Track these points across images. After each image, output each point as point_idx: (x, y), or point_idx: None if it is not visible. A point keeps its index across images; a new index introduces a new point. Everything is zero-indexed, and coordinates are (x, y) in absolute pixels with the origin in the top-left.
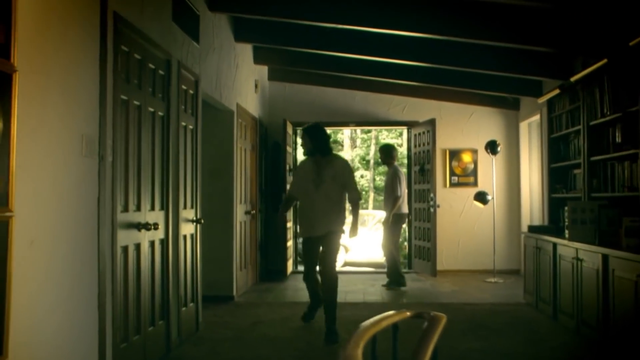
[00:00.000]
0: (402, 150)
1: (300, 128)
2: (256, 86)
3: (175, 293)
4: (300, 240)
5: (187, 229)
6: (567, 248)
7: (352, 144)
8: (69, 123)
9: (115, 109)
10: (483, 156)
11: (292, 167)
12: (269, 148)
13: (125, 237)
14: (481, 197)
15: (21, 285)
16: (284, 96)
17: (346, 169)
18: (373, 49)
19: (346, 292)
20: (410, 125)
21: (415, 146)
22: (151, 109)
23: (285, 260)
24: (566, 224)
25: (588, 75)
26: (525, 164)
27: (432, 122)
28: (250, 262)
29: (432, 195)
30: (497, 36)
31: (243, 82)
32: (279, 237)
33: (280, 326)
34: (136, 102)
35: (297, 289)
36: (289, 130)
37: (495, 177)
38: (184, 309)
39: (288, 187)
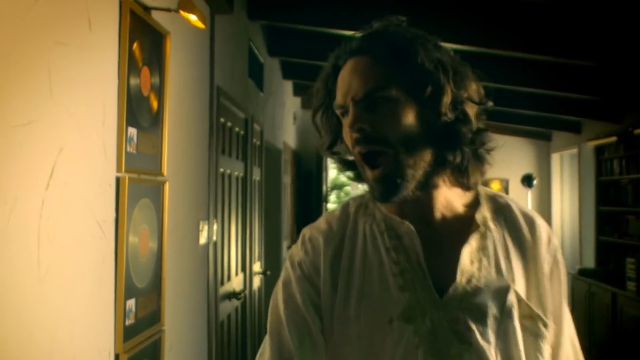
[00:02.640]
0: None
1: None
2: (294, 118)
3: (252, 353)
4: None
5: (256, 282)
6: (631, 301)
7: None
8: (191, 213)
9: (217, 186)
10: (514, 186)
11: (325, 197)
12: (302, 178)
13: (223, 311)
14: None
15: None
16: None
17: None
18: None
19: None
20: None
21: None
22: (236, 173)
23: None
24: (628, 275)
25: None
26: (557, 196)
27: None
28: None
29: None
30: (539, 83)
31: (286, 117)
32: None
33: None
34: (228, 171)
35: None
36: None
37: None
38: None
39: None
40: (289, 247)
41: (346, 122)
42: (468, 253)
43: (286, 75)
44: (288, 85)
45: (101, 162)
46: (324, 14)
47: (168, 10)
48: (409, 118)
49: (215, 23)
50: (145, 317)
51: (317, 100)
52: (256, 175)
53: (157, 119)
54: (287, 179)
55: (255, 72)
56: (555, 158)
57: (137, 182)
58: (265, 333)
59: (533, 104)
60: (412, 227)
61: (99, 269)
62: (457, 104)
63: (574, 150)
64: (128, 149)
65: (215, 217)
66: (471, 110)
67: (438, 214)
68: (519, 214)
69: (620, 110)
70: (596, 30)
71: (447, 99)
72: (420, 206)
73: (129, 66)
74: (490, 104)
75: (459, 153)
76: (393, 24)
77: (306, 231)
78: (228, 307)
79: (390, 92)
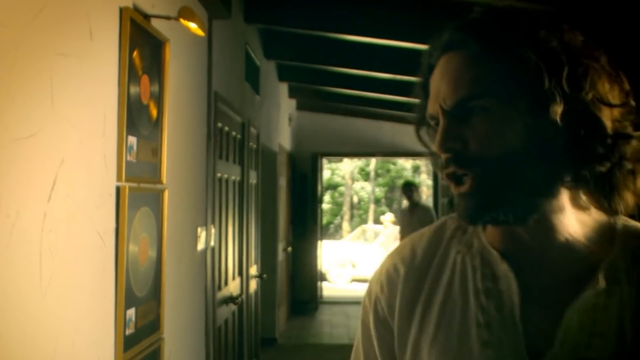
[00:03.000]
0: (423, 180)
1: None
2: (290, 120)
3: (249, 357)
4: None
5: (252, 286)
6: None
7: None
8: (189, 219)
9: (214, 191)
10: None
11: (320, 198)
12: (297, 179)
13: (220, 316)
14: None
15: None
16: (311, 126)
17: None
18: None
19: None
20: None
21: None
22: (233, 178)
23: (315, 291)
24: None
25: None
26: None
27: None
28: (285, 298)
29: None
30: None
31: (281, 119)
32: (307, 266)
33: None
34: (225, 176)
35: (333, 325)
36: (317, 160)
37: None
38: None
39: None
40: (284, 250)
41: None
42: (577, 313)
43: (282, 77)
44: (283, 87)
45: (101, 172)
46: (320, 17)
47: (168, 18)
48: (512, 131)
49: (212, 28)
50: (145, 326)
51: (417, 109)
52: (252, 178)
53: (156, 126)
54: (282, 181)
55: (252, 75)
56: None
57: (137, 190)
58: (261, 338)
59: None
60: (509, 268)
61: (99, 280)
62: (577, 109)
63: None
64: (128, 158)
65: (213, 222)
66: (605, 113)
67: (554, 252)
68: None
69: None
70: (593, 38)
71: (557, 106)
72: (530, 238)
73: (129, 75)
74: (632, 102)
75: (584, 170)
76: (498, 8)
77: (387, 259)
78: (225, 312)
79: (488, 100)
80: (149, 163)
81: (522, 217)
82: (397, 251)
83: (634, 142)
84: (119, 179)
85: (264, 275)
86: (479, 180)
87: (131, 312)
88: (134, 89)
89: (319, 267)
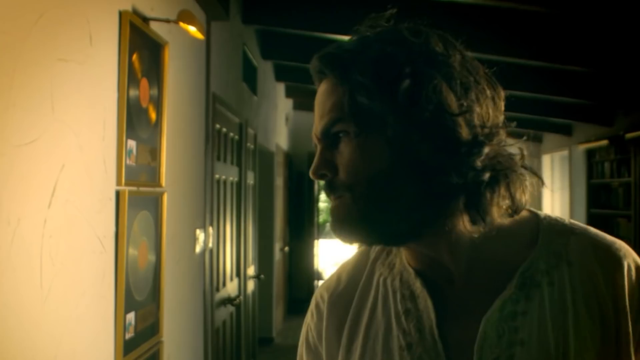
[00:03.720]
0: None
1: None
2: (287, 119)
3: (247, 358)
4: None
5: (250, 286)
6: None
7: None
8: (188, 221)
9: (212, 193)
10: None
11: (316, 197)
12: (293, 178)
13: (218, 318)
14: None
15: None
16: (308, 126)
17: None
18: None
19: None
20: None
21: None
22: (231, 179)
23: (312, 290)
24: None
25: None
26: (548, 199)
27: None
28: (282, 297)
29: None
30: (532, 87)
31: (278, 119)
32: (303, 265)
33: None
34: (223, 177)
35: None
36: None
37: None
38: None
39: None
40: (281, 249)
41: None
42: (493, 322)
43: (279, 77)
44: (280, 87)
45: (101, 176)
46: (317, 18)
47: (167, 21)
48: (375, 153)
49: (211, 29)
50: (144, 330)
51: None
52: (250, 179)
53: (155, 130)
54: (279, 181)
55: (250, 76)
56: (545, 159)
57: (137, 194)
58: (258, 337)
59: (525, 106)
60: (422, 286)
61: (99, 284)
62: (422, 121)
63: (565, 152)
64: (127, 162)
65: (211, 224)
66: (460, 122)
67: (462, 266)
68: (592, 253)
69: (611, 113)
70: (589, 36)
71: (394, 124)
72: (437, 254)
73: (128, 78)
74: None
75: (442, 185)
76: (369, 27)
77: (318, 290)
78: (223, 313)
79: (346, 124)
80: (148, 166)
81: (398, 237)
82: (326, 281)
83: (487, 150)
84: (118, 183)
85: (262, 276)
86: (349, 203)
87: (131, 316)
88: (133, 93)
89: (315, 266)
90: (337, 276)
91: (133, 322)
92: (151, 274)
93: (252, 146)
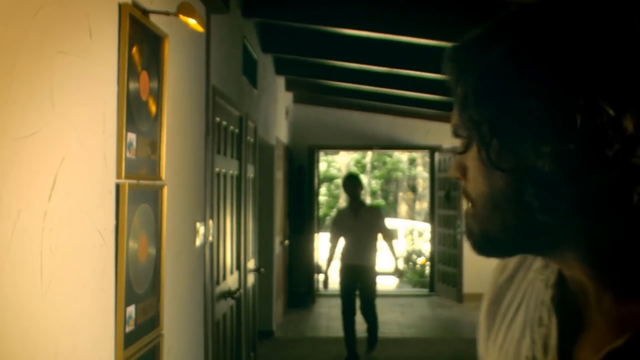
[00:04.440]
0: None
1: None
2: (287, 113)
3: (247, 351)
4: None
5: (250, 280)
6: None
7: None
8: (188, 215)
9: (212, 187)
10: None
11: (316, 191)
12: (293, 171)
13: (219, 311)
14: None
15: None
16: (308, 119)
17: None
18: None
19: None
20: (433, 149)
21: (439, 171)
22: (231, 172)
23: (312, 284)
24: None
25: None
26: None
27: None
28: (282, 291)
29: (459, 222)
30: None
31: (278, 112)
32: (303, 259)
33: None
34: (223, 170)
35: (330, 318)
36: (314, 153)
37: None
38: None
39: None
40: (281, 243)
41: None
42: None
43: (279, 70)
44: (280, 80)
45: (101, 169)
46: (317, 11)
47: (167, 13)
48: (478, 162)
49: (210, 22)
50: (144, 323)
51: None
52: (250, 172)
53: (155, 122)
54: (279, 174)
55: (250, 69)
56: None
57: (137, 187)
58: (258, 331)
59: None
60: (551, 297)
61: (99, 277)
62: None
63: None
64: (127, 155)
65: (212, 217)
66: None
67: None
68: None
69: None
70: None
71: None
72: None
73: (128, 71)
74: None
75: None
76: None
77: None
78: (223, 307)
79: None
80: (148, 159)
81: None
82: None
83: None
84: (118, 176)
85: (262, 269)
86: (473, 212)
87: (131, 310)
88: (133, 86)
89: (315, 259)
90: (504, 262)
91: (133, 315)
92: (151, 267)
93: (252, 139)
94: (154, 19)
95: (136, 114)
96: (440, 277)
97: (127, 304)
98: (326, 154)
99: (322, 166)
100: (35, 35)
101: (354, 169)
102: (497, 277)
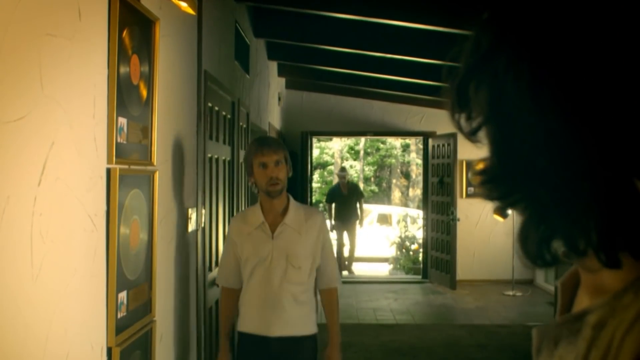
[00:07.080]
0: (412, 159)
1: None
2: (279, 99)
3: None
4: None
5: None
6: None
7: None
8: (179, 200)
9: (204, 172)
10: None
11: (309, 177)
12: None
13: (211, 297)
14: (502, 211)
15: None
16: (301, 105)
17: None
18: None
19: (374, 309)
20: (427, 135)
21: (433, 157)
22: (223, 158)
23: None
24: None
25: None
26: None
27: (453, 136)
28: None
29: (452, 208)
30: None
31: (271, 98)
32: None
33: None
34: (215, 156)
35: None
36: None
37: None
38: None
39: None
40: None
41: None
42: None
43: (271, 56)
44: (273, 66)
45: (92, 154)
46: None
47: None
48: None
49: (202, 6)
50: (136, 309)
51: None
52: (241, 158)
53: (146, 107)
54: None
55: (242, 54)
56: None
57: (128, 172)
58: None
59: None
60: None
61: (90, 263)
62: None
63: None
64: (118, 140)
65: (204, 203)
66: None
67: None
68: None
69: None
70: None
71: None
72: None
73: (119, 55)
74: None
75: None
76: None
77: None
78: (216, 293)
79: None
80: (139, 144)
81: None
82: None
83: None
84: (109, 161)
85: None
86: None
87: (123, 296)
88: (123, 69)
89: None
90: None
91: (125, 302)
92: (143, 253)
93: (244, 125)
94: (144, 1)
95: (127, 98)
96: (434, 263)
97: (119, 289)
98: (319, 140)
99: (315, 152)
100: (22, 16)
101: (347, 156)
102: None
